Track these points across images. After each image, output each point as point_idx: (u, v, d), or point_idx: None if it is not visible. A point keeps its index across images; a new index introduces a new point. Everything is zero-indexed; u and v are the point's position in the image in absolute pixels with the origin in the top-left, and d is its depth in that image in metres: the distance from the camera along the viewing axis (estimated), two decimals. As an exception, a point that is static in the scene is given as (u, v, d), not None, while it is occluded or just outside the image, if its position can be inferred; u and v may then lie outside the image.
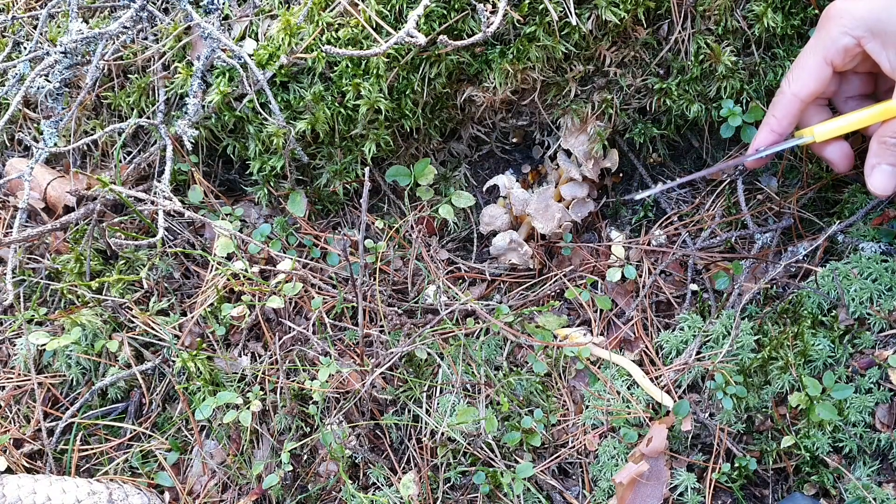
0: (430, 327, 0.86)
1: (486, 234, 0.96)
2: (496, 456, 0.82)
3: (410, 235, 0.94)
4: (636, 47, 0.85)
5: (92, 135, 0.94)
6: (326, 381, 0.83)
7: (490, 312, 0.88)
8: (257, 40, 0.87)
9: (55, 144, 0.93)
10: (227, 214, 0.94)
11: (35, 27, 0.98)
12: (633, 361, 0.85)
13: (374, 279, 0.90)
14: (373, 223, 0.95)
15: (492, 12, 0.79)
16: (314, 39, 0.83)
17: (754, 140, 0.77)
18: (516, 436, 0.82)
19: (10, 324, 0.96)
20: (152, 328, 0.90)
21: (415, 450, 0.85)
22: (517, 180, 0.96)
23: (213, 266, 0.90)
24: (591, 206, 0.94)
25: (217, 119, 0.89)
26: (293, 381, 0.86)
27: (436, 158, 0.97)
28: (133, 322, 0.91)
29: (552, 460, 0.83)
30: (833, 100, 0.77)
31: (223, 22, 0.88)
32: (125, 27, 0.87)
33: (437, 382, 0.86)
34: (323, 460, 0.85)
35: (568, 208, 0.92)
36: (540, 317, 0.89)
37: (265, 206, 0.95)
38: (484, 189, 0.97)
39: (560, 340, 0.87)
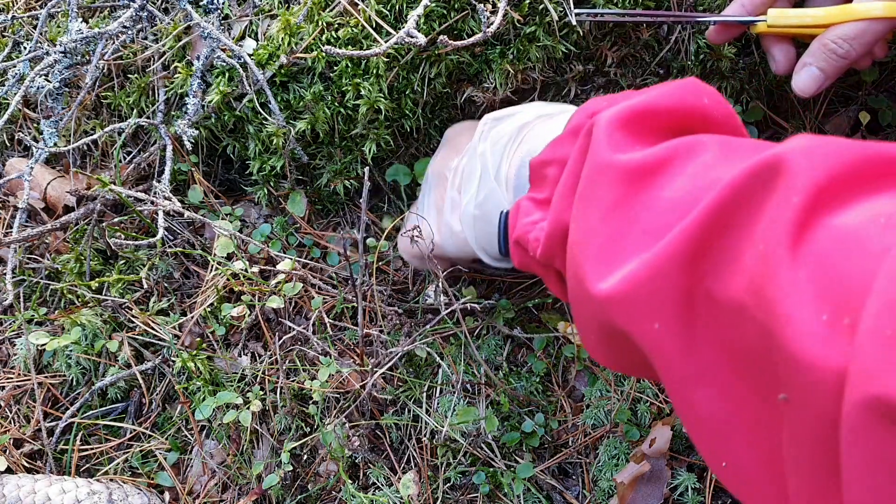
0: (430, 327, 0.86)
1: (486, 233, 0.95)
2: (496, 456, 0.82)
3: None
4: (637, 47, 0.85)
5: (92, 135, 0.94)
6: (326, 381, 0.83)
7: (490, 311, 0.88)
8: (257, 40, 0.87)
9: (55, 144, 0.93)
10: (227, 214, 0.94)
11: (35, 27, 0.98)
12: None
13: (373, 279, 0.90)
14: (373, 223, 0.95)
15: (492, 12, 0.78)
16: (314, 39, 0.83)
17: (724, 11, 0.75)
18: (516, 436, 0.82)
19: (10, 324, 0.96)
20: (152, 328, 0.90)
21: (415, 450, 0.85)
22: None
23: (212, 266, 0.90)
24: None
25: (217, 119, 0.89)
26: (293, 381, 0.86)
27: (436, 158, 0.97)
28: (133, 322, 0.91)
29: (552, 461, 0.83)
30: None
31: (223, 21, 0.88)
32: (125, 27, 0.87)
33: (437, 382, 0.86)
34: (323, 460, 0.85)
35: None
36: (542, 314, 0.89)
37: (265, 205, 0.95)
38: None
39: (562, 335, 0.87)
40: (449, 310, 0.80)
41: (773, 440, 0.42)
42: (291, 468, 0.84)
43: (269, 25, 0.88)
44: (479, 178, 0.70)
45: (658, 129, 0.54)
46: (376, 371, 0.83)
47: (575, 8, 0.79)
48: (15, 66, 0.94)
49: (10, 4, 1.02)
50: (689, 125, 0.55)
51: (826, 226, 0.38)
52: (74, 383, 0.93)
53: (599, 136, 0.53)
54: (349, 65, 0.83)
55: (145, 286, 0.92)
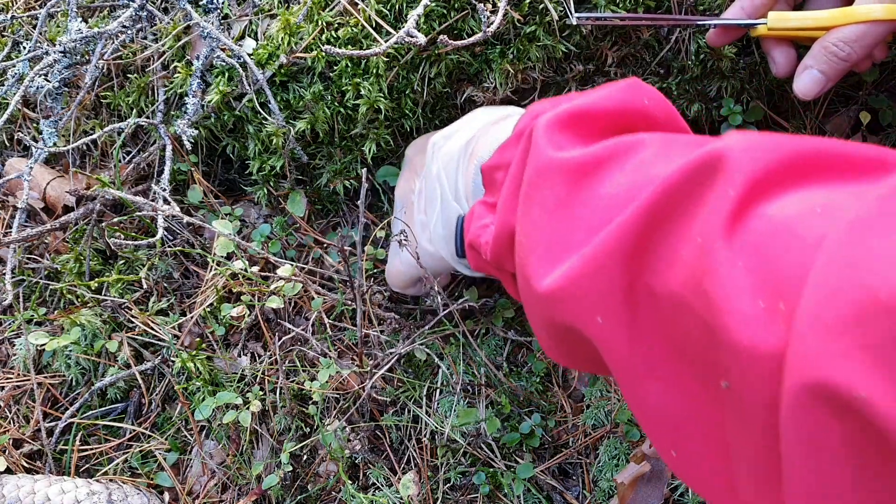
0: (429, 328, 0.86)
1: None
2: (496, 456, 0.82)
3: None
4: (637, 47, 0.85)
5: (91, 134, 0.94)
6: (326, 382, 0.83)
7: (490, 311, 0.88)
8: (257, 39, 0.87)
9: (54, 144, 0.93)
10: (226, 214, 0.94)
11: (34, 26, 0.98)
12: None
13: (363, 279, 0.90)
14: (373, 223, 0.94)
15: (492, 12, 0.78)
16: (314, 39, 0.83)
17: (724, 14, 0.76)
18: (516, 436, 0.82)
19: (10, 324, 0.96)
20: (152, 328, 0.90)
21: (415, 450, 0.85)
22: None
23: (212, 266, 0.90)
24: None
25: (216, 119, 0.89)
26: (293, 381, 0.86)
27: (436, 158, 0.96)
28: (132, 322, 0.91)
29: (553, 461, 0.83)
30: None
31: (222, 21, 0.88)
32: (124, 26, 0.87)
33: (436, 383, 0.86)
34: (323, 461, 0.85)
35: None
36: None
37: (265, 205, 0.95)
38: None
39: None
40: (447, 311, 0.79)
41: (720, 431, 0.42)
42: (291, 468, 0.84)
43: (268, 25, 0.87)
44: (440, 199, 0.72)
45: (598, 129, 0.55)
46: (376, 372, 0.83)
47: (575, 9, 0.79)
48: (14, 66, 0.94)
49: (10, 4, 1.02)
50: (631, 125, 0.55)
51: (761, 216, 0.39)
52: (74, 383, 0.93)
53: (539, 138, 0.54)
54: (349, 64, 0.83)
55: (145, 286, 0.92)
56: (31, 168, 0.91)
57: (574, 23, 0.78)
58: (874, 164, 0.39)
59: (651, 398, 0.46)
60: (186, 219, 0.84)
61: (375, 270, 0.91)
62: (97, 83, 0.96)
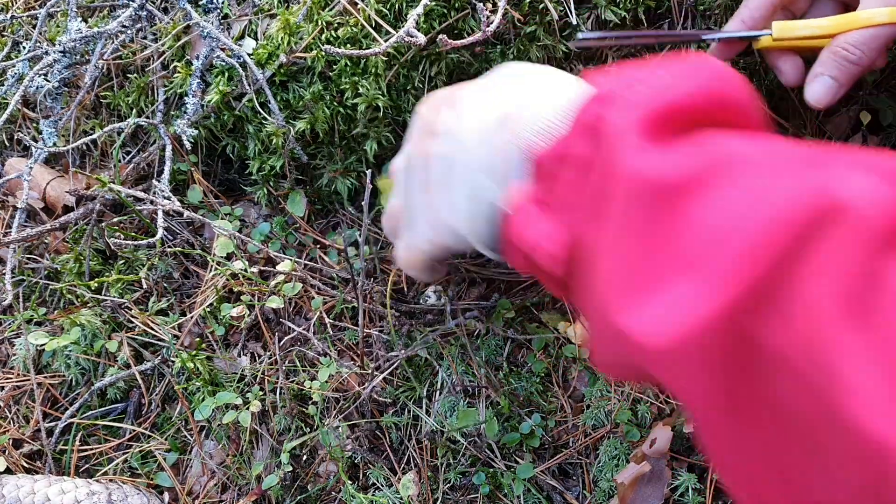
0: (435, 333, 0.86)
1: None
2: (496, 456, 0.82)
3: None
4: (638, 47, 0.85)
5: (91, 134, 0.94)
6: (326, 382, 0.83)
7: (489, 312, 0.88)
8: (256, 39, 0.87)
9: (54, 144, 0.93)
10: (226, 214, 0.94)
11: (34, 26, 0.98)
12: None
13: (368, 279, 0.90)
14: (373, 222, 0.94)
15: (492, 12, 0.78)
16: (313, 38, 0.83)
17: (724, 28, 0.75)
18: (516, 436, 0.82)
19: (10, 324, 0.95)
20: (151, 328, 0.90)
21: (415, 450, 0.85)
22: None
23: (212, 266, 0.90)
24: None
25: (216, 118, 0.89)
26: (293, 381, 0.85)
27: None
28: (132, 322, 0.91)
29: (553, 461, 0.83)
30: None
31: (222, 21, 0.88)
32: (124, 26, 0.87)
33: (436, 383, 0.86)
34: (322, 461, 0.85)
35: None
36: (542, 314, 0.89)
37: (265, 205, 0.95)
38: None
39: (563, 335, 0.87)
40: (456, 322, 0.79)
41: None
42: (291, 468, 0.84)
43: (268, 25, 0.87)
44: (464, 168, 0.61)
45: (680, 125, 0.48)
46: (377, 375, 0.83)
47: (575, 10, 0.78)
48: (14, 66, 0.94)
49: (10, 4, 1.02)
50: (715, 116, 0.49)
51: (891, 286, 0.35)
52: (74, 383, 0.93)
53: (618, 142, 0.47)
54: (349, 64, 0.83)
55: (145, 286, 0.92)
56: (30, 168, 0.91)
57: (577, 46, 0.78)
58: None
59: (739, 466, 0.43)
60: (186, 213, 0.84)
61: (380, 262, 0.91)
62: (97, 83, 0.96)
